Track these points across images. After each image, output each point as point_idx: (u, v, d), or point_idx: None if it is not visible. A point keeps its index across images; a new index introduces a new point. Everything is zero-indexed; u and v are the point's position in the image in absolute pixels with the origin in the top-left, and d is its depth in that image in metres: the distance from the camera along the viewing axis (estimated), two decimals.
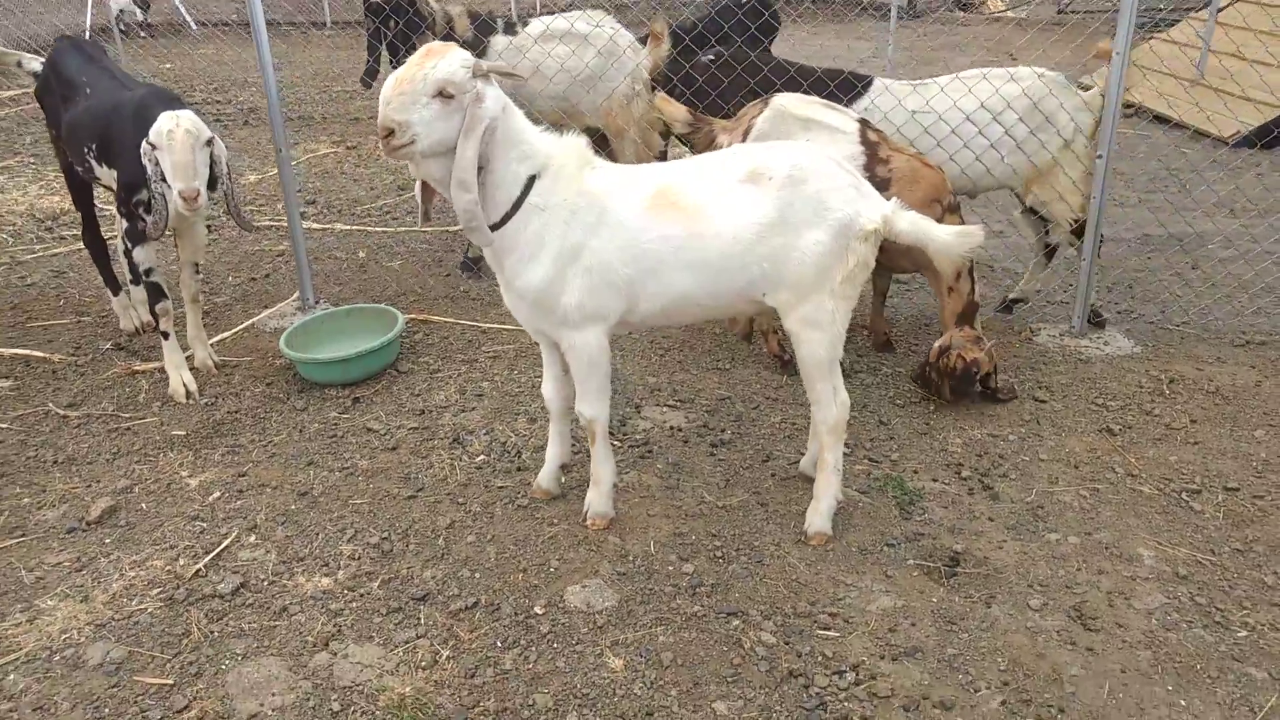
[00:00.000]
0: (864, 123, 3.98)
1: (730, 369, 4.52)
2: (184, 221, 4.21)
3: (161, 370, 4.42)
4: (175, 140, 3.72)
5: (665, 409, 4.13)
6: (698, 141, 4.13)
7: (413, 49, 5.21)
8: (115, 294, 4.93)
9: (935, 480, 3.59)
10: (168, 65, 12.48)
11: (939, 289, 4.08)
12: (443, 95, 2.67)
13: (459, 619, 2.89)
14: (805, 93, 4.38)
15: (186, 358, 4.53)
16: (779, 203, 2.92)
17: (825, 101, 4.10)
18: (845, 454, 3.51)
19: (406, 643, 2.80)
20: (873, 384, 4.37)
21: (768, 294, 3.02)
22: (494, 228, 2.87)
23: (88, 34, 13.59)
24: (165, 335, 4.30)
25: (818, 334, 3.02)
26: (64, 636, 2.85)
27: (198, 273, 4.45)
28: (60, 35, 4.61)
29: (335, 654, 2.75)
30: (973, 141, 4.47)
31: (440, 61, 2.68)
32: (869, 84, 4.57)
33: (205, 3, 18.72)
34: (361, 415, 4.11)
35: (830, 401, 3.13)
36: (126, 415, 4.17)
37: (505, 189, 2.86)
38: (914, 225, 3.00)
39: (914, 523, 3.34)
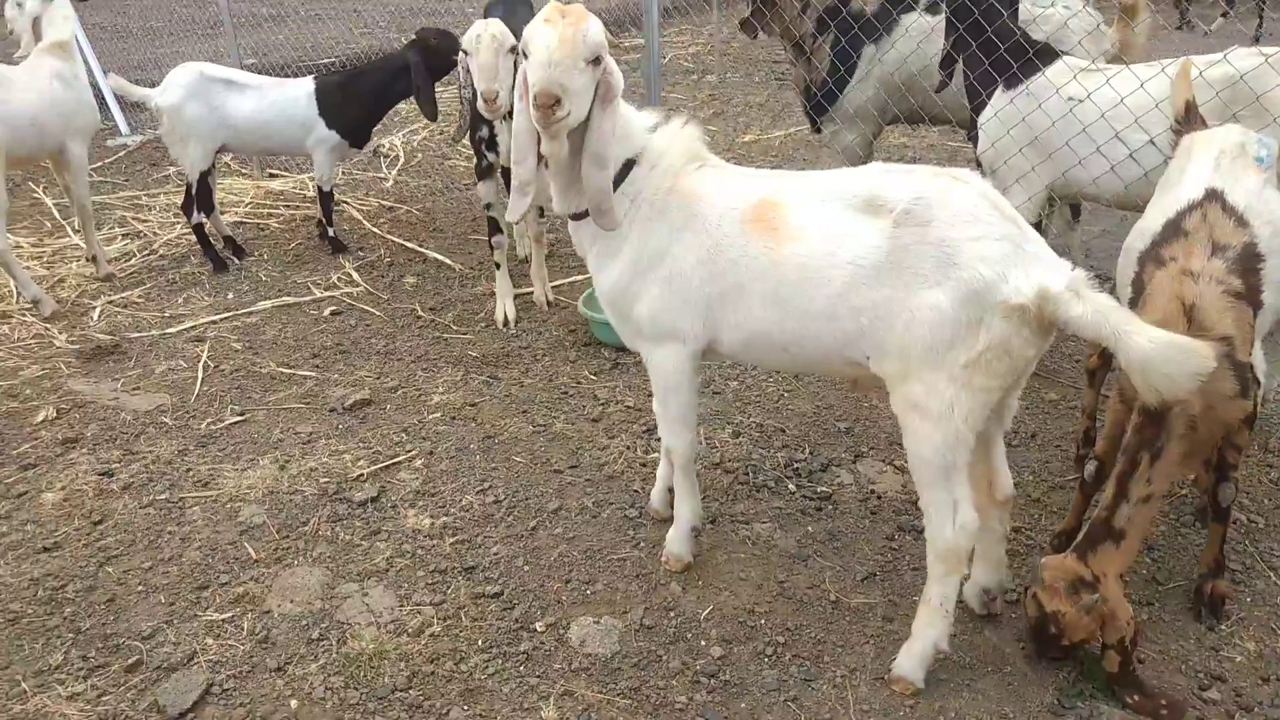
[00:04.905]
0: (1212, 197, 2.56)
1: (1037, 436, 3.55)
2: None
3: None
4: (482, 44, 3.99)
5: (891, 469, 3.42)
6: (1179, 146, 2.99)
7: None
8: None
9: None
10: None
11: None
12: (596, 61, 2.37)
13: (475, 603, 2.85)
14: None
15: (529, 291, 4.98)
16: (891, 244, 2.21)
17: (1231, 145, 2.70)
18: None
19: (417, 605, 2.84)
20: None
21: (872, 358, 2.33)
22: (578, 216, 2.63)
23: None
24: (497, 265, 4.76)
25: (926, 426, 2.26)
26: (248, 489, 3.43)
27: (542, 216, 4.80)
28: None
29: (362, 590, 2.91)
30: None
31: (592, 23, 2.36)
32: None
33: None
34: (603, 381, 4.13)
35: (945, 519, 2.34)
36: (455, 328, 4.75)
37: None
38: (1097, 315, 2.05)
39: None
